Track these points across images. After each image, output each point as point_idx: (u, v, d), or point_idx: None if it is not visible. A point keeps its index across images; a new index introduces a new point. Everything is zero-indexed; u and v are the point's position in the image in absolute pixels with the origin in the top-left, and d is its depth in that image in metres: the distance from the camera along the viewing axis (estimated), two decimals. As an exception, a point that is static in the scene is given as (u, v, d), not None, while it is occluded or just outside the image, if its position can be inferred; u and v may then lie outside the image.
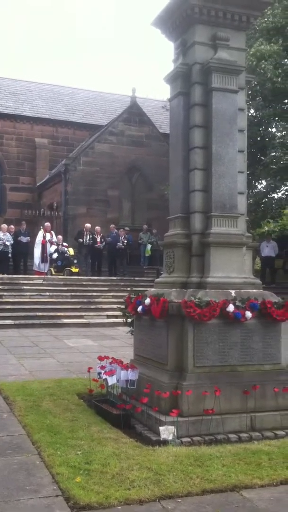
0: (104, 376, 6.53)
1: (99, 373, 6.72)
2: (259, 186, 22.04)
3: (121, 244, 21.90)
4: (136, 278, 20.94)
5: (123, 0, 69.37)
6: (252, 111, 19.71)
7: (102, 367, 6.70)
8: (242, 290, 6.26)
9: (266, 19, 18.92)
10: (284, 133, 19.01)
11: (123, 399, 6.36)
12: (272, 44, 18.46)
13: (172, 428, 5.40)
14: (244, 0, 6.77)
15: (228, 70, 6.44)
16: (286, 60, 19.17)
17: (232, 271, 6.35)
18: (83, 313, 17.06)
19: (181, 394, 5.68)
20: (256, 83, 17.36)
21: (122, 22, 74.70)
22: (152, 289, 6.93)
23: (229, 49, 6.58)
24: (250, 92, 18.10)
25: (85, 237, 21.58)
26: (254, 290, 6.41)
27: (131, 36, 72.81)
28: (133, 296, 7.02)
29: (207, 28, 6.56)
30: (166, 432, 5.37)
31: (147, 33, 78.62)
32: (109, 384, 6.51)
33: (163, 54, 63.86)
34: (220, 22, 6.58)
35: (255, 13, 6.91)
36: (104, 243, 21.81)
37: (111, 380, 6.37)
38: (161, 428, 5.41)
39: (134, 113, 26.46)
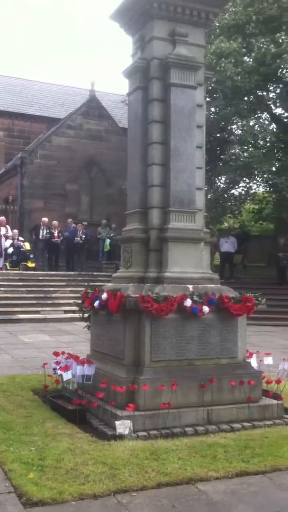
0: (59, 372, 6.46)
1: (54, 369, 6.65)
2: (218, 182, 22.28)
3: (79, 238, 21.74)
4: (95, 273, 20.84)
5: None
6: (212, 108, 19.86)
7: (58, 363, 6.63)
8: (199, 285, 6.29)
9: (227, 16, 19.06)
10: (243, 130, 19.23)
11: (79, 394, 6.30)
12: (231, 42, 18.61)
13: (128, 422, 5.38)
14: (203, -4, 6.82)
15: (187, 66, 6.44)
16: (246, 58, 19.38)
17: (190, 266, 6.38)
18: (39, 309, 16.86)
19: (138, 388, 5.67)
20: (216, 80, 17.48)
21: (85, 16, 73.87)
22: (110, 284, 6.89)
23: (188, 45, 6.59)
24: (210, 89, 18.22)
25: (41, 231, 21.30)
26: (212, 285, 6.46)
27: (91, 30, 72.27)
28: (90, 291, 6.96)
29: (166, 23, 6.54)
30: (122, 426, 5.35)
31: (106, 27, 78.29)
32: (64, 380, 6.43)
33: (122, 48, 64.08)
34: (179, 17, 6.57)
35: (214, 10, 6.92)
36: (61, 238, 21.60)
37: (66, 376, 6.31)
38: (117, 422, 5.39)
39: (93, 107, 26.31)
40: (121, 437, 5.27)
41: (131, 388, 5.71)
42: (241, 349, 6.39)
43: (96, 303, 6.55)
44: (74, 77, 66.66)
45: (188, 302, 5.93)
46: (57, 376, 6.65)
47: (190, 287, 6.18)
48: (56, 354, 6.85)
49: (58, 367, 6.57)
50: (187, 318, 6.04)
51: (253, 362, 6.71)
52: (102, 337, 6.72)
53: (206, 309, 6.02)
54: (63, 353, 6.92)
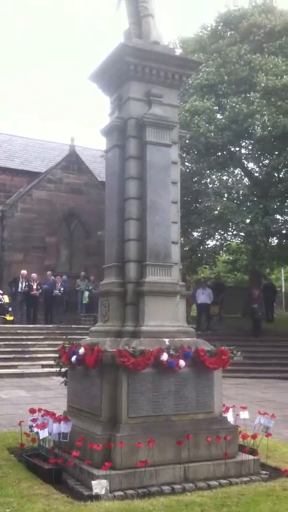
0: (35, 430, 6.33)
1: (31, 426, 6.52)
2: (195, 234, 22.60)
3: (57, 291, 21.67)
4: (73, 326, 20.65)
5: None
6: (187, 163, 20.36)
7: (34, 420, 6.50)
8: (176, 339, 6.32)
9: (200, 76, 19.82)
10: (217, 184, 19.69)
11: (55, 453, 6.17)
12: (205, 100, 19.29)
13: (104, 482, 5.27)
14: (176, 59, 7.18)
15: (162, 125, 6.69)
16: (218, 116, 20.05)
17: (166, 319, 6.42)
18: (17, 363, 16.61)
19: (114, 446, 5.59)
20: (190, 137, 18.02)
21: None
22: (87, 338, 6.88)
23: (162, 105, 6.86)
24: (185, 144, 18.73)
25: (20, 284, 21.19)
26: (188, 339, 6.49)
27: (74, 87, 74.08)
28: (67, 345, 6.93)
29: (142, 84, 6.83)
30: (99, 486, 5.24)
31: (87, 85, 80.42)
32: (41, 438, 6.30)
33: (102, 104, 65.92)
34: (154, 79, 6.87)
35: (187, 72, 7.29)
36: (40, 290, 21.50)
37: (43, 434, 6.19)
38: (93, 482, 5.28)
39: (73, 161, 26.77)
40: (97, 497, 5.16)
41: (107, 446, 5.63)
42: (217, 403, 6.36)
43: (73, 358, 6.51)
44: (54, 132, 67.96)
45: (164, 356, 5.94)
46: (33, 434, 6.52)
47: (167, 340, 6.20)
48: (32, 411, 6.74)
49: (34, 424, 6.44)
50: (163, 373, 6.03)
51: (229, 416, 6.69)
52: (79, 392, 6.65)
53: (182, 363, 6.03)
54: (39, 410, 6.80)
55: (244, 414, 6.83)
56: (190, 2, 69.29)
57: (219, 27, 23.18)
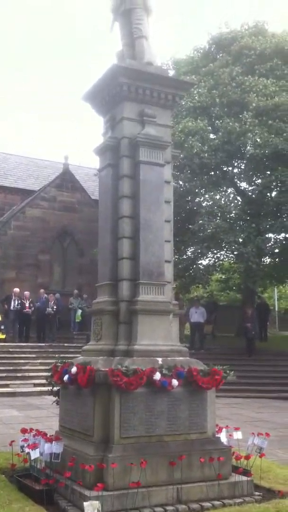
0: (27, 450, 6.27)
1: (22, 447, 6.45)
2: (188, 253, 22.63)
3: (50, 309, 21.58)
4: (66, 344, 20.57)
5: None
6: (181, 182, 20.48)
7: (25, 440, 6.44)
8: (168, 358, 6.30)
9: (191, 99, 20.02)
10: (210, 202, 19.80)
11: (46, 474, 6.10)
12: (198, 121, 19.48)
13: (96, 503, 5.19)
14: (170, 80, 7.27)
15: (155, 145, 6.74)
16: (211, 136, 20.23)
17: (159, 338, 6.40)
18: (8, 382, 16.48)
19: (107, 467, 5.53)
20: (183, 157, 18.13)
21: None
22: (80, 357, 6.85)
23: (156, 125, 6.92)
24: (179, 164, 18.85)
25: (13, 302, 21.09)
26: (181, 358, 6.46)
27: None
28: (59, 364, 6.89)
29: (135, 105, 6.90)
30: (91, 507, 5.15)
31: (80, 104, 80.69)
32: (32, 458, 6.23)
33: (95, 123, 66.35)
34: (147, 100, 6.94)
35: (180, 93, 7.36)
36: (33, 308, 21.41)
37: (34, 454, 6.12)
38: (85, 503, 5.20)
39: (67, 180, 26.89)
40: (89, 519, 5.08)
41: (99, 466, 5.57)
42: (210, 424, 6.32)
43: (66, 377, 6.46)
44: (48, 150, 68.19)
45: (157, 376, 5.91)
46: (24, 455, 6.45)
47: (159, 360, 6.18)
48: (24, 431, 6.67)
49: (26, 444, 6.38)
50: (156, 392, 5.99)
51: (223, 437, 6.64)
52: (71, 412, 6.60)
53: (175, 382, 5.99)
54: (31, 430, 6.74)
55: (238, 435, 6.79)
56: (183, 23, 70.36)
57: (212, 49, 23.53)
